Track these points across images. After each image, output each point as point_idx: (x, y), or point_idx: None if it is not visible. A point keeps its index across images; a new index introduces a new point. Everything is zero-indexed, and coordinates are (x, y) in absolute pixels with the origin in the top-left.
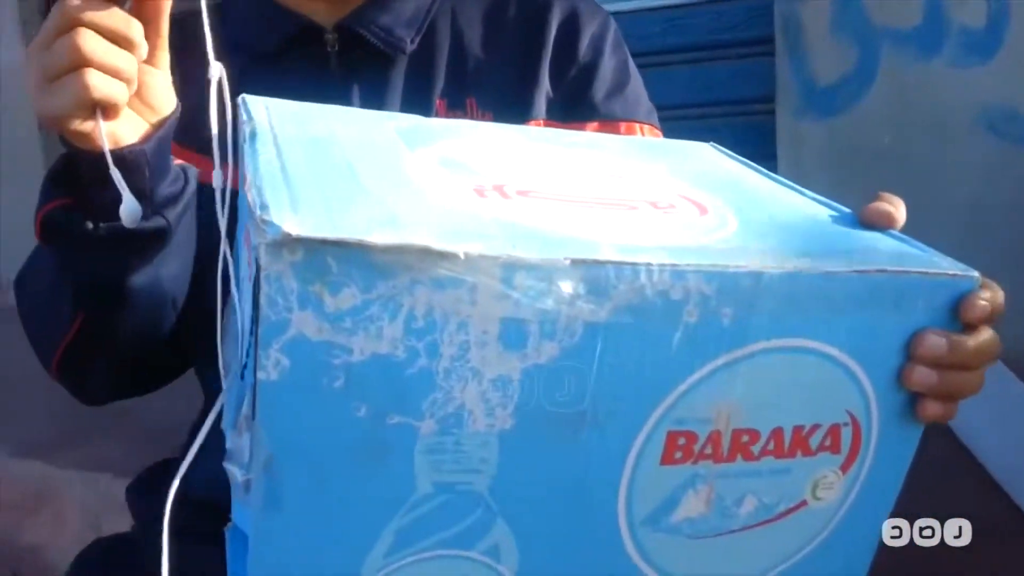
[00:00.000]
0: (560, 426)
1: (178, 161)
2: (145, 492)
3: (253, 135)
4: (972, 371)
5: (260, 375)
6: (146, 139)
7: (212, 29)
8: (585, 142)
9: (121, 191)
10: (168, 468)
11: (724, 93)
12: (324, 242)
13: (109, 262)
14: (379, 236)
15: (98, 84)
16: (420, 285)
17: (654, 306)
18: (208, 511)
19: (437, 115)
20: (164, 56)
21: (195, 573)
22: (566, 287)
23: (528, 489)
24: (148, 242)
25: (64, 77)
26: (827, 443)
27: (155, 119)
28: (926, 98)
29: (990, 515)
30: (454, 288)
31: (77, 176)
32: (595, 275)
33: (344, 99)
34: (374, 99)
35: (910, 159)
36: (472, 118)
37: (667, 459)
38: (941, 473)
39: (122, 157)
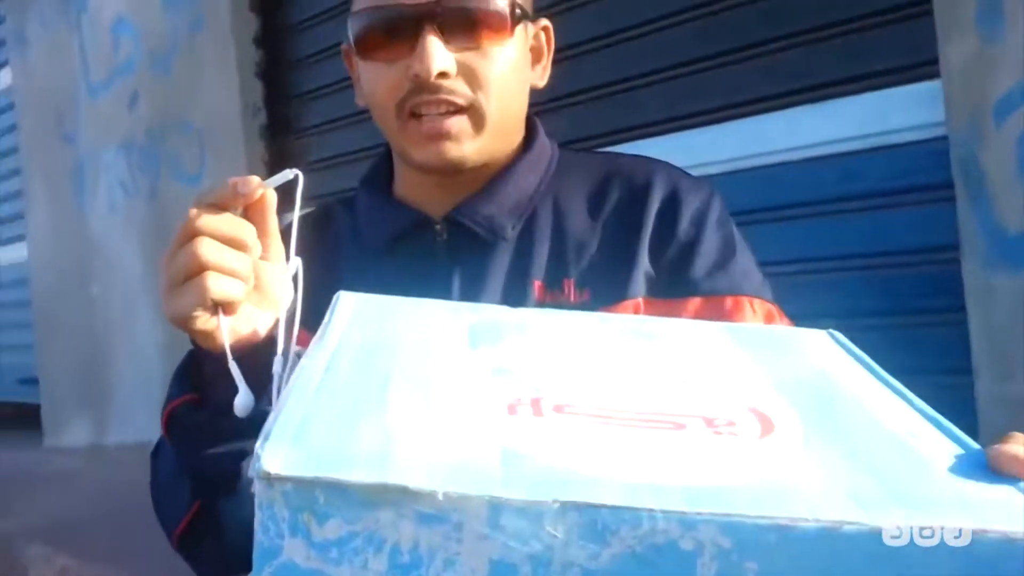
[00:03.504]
0: None
1: (297, 348)
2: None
3: (319, 340)
4: None
5: None
6: (267, 335)
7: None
8: (668, 335)
9: (237, 383)
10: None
11: (903, 242)
12: (303, 479)
13: (220, 453)
14: (359, 474)
15: (215, 285)
16: (405, 520)
17: (662, 555)
18: None
19: (535, 297)
20: (276, 251)
21: None
22: (556, 530)
23: None
24: (257, 434)
25: (187, 281)
26: None
27: (273, 310)
28: None
29: None
30: (439, 524)
31: (200, 373)
32: (588, 519)
33: (447, 284)
34: (475, 284)
35: None
36: (570, 298)
37: None
38: None
39: (242, 352)
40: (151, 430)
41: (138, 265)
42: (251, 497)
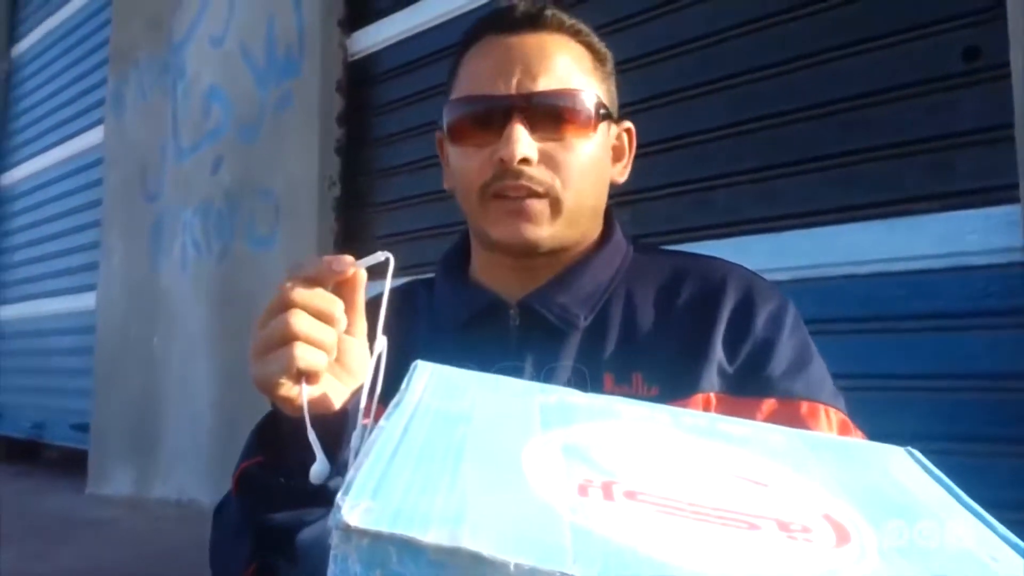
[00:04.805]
0: None
1: (366, 421)
2: None
3: (396, 405)
4: None
5: None
6: (343, 406)
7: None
8: (743, 436)
9: (315, 451)
10: None
11: (975, 366)
12: (380, 534)
13: (286, 516)
14: (435, 535)
15: (302, 355)
16: None
17: None
18: None
19: (604, 388)
20: (361, 326)
21: None
22: None
23: None
24: (325, 501)
25: (276, 350)
26: None
27: (352, 383)
28: None
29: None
30: None
31: (277, 435)
32: None
33: (518, 368)
34: (545, 371)
35: None
36: (638, 392)
37: None
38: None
39: (317, 421)
40: (193, 488)
41: (201, 323)
42: (309, 564)
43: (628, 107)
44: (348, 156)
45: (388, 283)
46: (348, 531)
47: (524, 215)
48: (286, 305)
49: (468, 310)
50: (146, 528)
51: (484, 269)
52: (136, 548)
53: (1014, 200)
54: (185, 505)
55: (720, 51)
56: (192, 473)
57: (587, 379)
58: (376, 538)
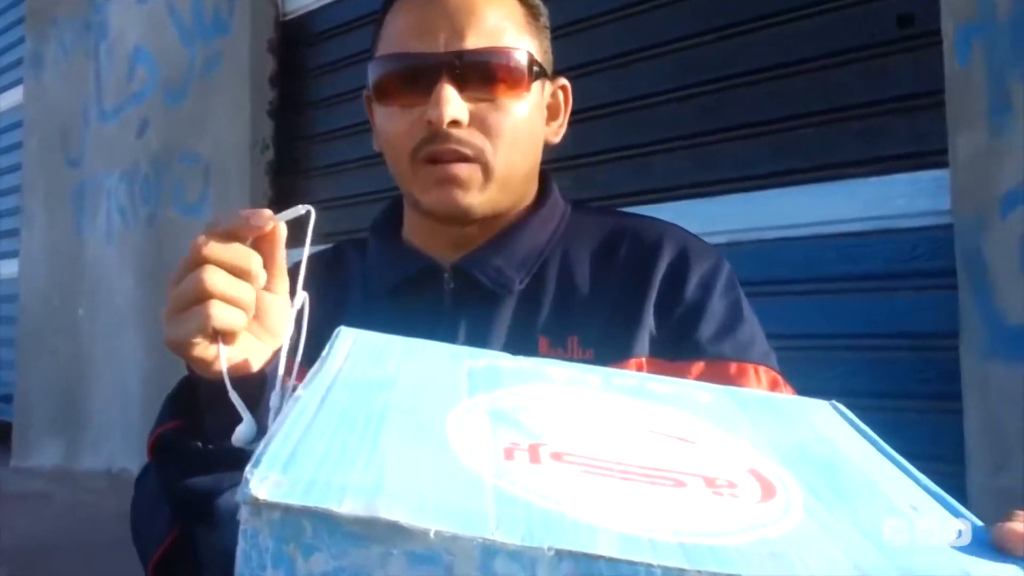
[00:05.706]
0: None
1: (296, 383)
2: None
3: (315, 373)
4: None
5: None
6: (263, 367)
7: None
8: (671, 395)
9: (240, 412)
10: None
11: (901, 326)
12: (291, 507)
13: (205, 481)
14: (350, 506)
15: (218, 314)
16: (393, 558)
17: None
18: None
19: (539, 352)
20: (282, 283)
21: None
22: None
23: None
24: (245, 464)
25: (190, 309)
26: None
27: (273, 343)
28: None
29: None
30: (429, 565)
31: (193, 400)
32: (584, 570)
33: (452, 333)
34: (479, 335)
35: None
36: (573, 356)
37: None
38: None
39: (238, 383)
40: (123, 458)
41: (129, 292)
42: (230, 530)
43: (567, 72)
44: (282, 119)
45: (309, 236)
46: (257, 505)
47: (455, 181)
48: (200, 261)
49: (401, 274)
50: (75, 499)
51: (417, 232)
52: (65, 520)
53: (943, 165)
54: (115, 476)
55: (657, 17)
56: (122, 443)
57: (522, 343)
58: (287, 511)
